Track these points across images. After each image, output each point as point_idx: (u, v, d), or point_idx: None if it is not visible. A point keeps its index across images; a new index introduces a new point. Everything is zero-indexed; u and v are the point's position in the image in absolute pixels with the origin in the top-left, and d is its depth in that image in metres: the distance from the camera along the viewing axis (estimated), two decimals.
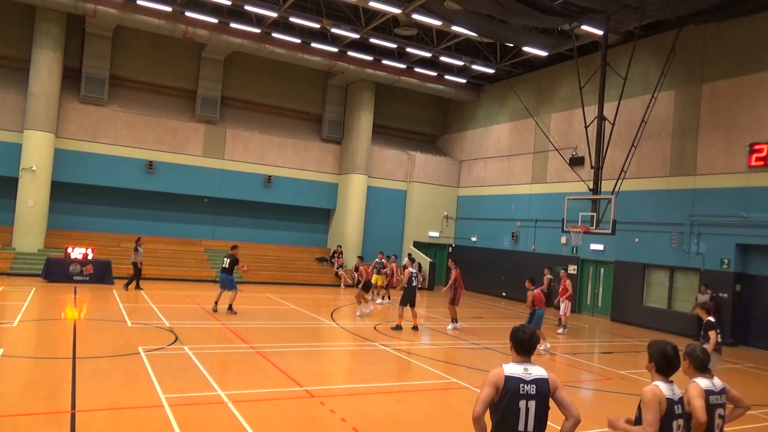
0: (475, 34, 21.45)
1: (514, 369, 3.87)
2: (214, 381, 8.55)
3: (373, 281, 19.03)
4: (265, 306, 17.73)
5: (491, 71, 25.49)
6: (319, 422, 7.25)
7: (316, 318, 16.06)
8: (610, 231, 17.46)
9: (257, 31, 22.56)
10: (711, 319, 9.25)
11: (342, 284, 24.64)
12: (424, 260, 27.16)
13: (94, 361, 9.29)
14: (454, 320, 15.58)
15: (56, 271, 19.00)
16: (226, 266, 15.08)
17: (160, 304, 15.90)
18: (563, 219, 19.16)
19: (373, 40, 23.05)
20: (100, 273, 19.45)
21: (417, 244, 28.19)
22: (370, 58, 25.02)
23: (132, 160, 23.51)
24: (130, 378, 8.44)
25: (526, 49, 22.21)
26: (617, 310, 20.36)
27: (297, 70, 26.67)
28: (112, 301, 16.00)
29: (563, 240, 22.39)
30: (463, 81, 27.40)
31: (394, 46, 23.69)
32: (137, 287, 18.41)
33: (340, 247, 26.42)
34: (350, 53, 24.54)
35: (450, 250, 29.08)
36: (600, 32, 18.66)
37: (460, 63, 25.04)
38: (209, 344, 11.32)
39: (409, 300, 14.76)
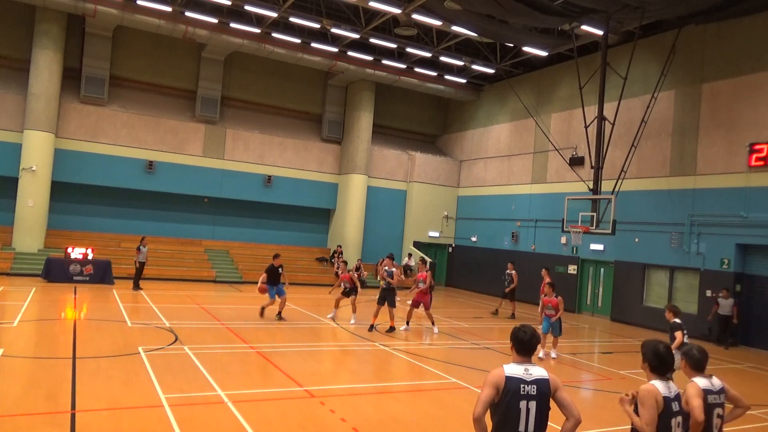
0: (475, 34, 21.46)
1: (514, 369, 3.87)
2: (214, 381, 8.55)
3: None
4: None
5: (491, 71, 25.49)
6: (319, 422, 7.25)
7: (316, 318, 16.06)
8: (610, 231, 17.46)
9: (257, 31, 22.56)
10: (677, 320, 9.60)
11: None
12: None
13: (95, 361, 9.29)
14: (432, 323, 14.90)
15: (56, 271, 19.00)
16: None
17: (160, 304, 15.91)
18: (563, 219, 19.17)
19: (373, 40, 23.05)
20: (101, 273, 19.45)
21: (417, 244, 28.20)
22: (370, 58, 25.02)
23: (132, 160, 23.52)
24: (130, 378, 8.44)
25: (526, 49, 22.21)
26: (617, 310, 20.36)
27: (297, 70, 26.67)
28: (113, 301, 16.00)
29: (563, 240, 22.40)
30: (463, 81, 27.40)
31: (394, 46, 23.69)
32: (136, 287, 18.41)
33: (340, 247, 26.43)
34: (350, 53, 24.54)
35: (450, 250, 29.10)
36: (600, 32, 18.66)
37: (460, 63, 25.04)
38: (209, 344, 11.33)
39: (386, 299, 14.24)
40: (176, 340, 11.32)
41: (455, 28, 20.72)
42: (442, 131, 31.39)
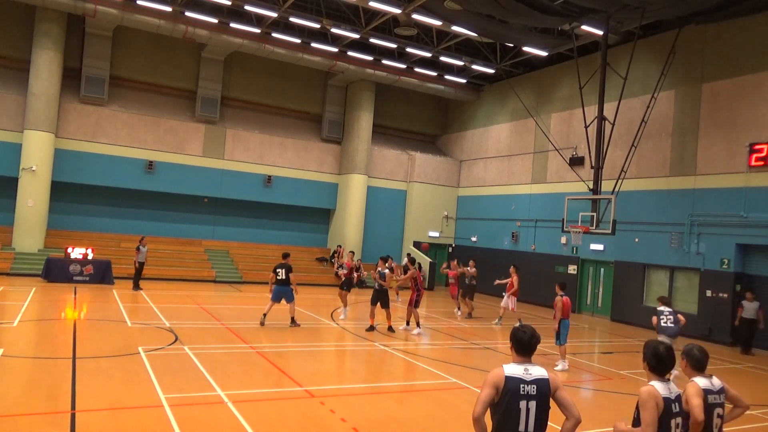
0: (475, 34, 21.46)
1: (514, 369, 3.87)
2: (214, 381, 8.55)
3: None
4: (264, 306, 17.69)
5: (491, 71, 25.49)
6: (319, 422, 7.25)
7: (316, 318, 16.06)
8: (610, 231, 17.46)
9: (257, 31, 22.57)
10: (660, 308, 11.41)
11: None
12: (424, 260, 27.16)
13: (95, 361, 9.29)
14: (418, 324, 14.46)
15: (56, 271, 18.99)
16: (283, 277, 13.75)
17: (160, 304, 15.91)
18: (563, 219, 19.16)
19: (373, 40, 23.06)
20: (101, 273, 19.45)
21: (417, 244, 28.20)
22: (370, 58, 25.02)
23: (132, 160, 23.52)
24: (130, 378, 8.44)
25: (526, 49, 22.21)
26: (617, 310, 20.35)
27: (297, 70, 26.67)
28: (113, 301, 16.00)
29: (563, 240, 22.40)
30: (463, 81, 27.40)
31: (394, 46, 23.69)
32: (135, 287, 18.41)
33: (341, 247, 26.42)
34: (350, 53, 24.54)
35: (450, 250, 29.10)
36: (600, 32, 18.66)
37: (460, 63, 25.04)
38: (209, 344, 11.33)
39: (378, 300, 14.11)
40: (176, 340, 11.32)
41: (455, 28, 20.73)
42: (442, 131, 31.38)
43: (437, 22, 20.12)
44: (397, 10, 19.20)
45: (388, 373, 10.86)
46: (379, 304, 14.23)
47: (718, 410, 4.48)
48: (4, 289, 16.81)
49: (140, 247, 18.59)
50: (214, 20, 21.88)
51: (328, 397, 8.38)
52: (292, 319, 14.05)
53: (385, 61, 25.31)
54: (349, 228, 26.90)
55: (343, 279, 16.92)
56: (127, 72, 24.37)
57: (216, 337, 12.22)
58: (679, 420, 4.06)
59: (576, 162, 21.54)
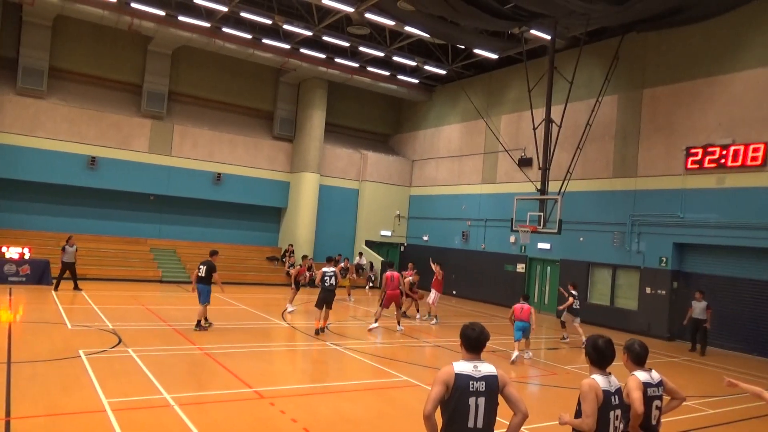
0: (428, 35, 21.65)
1: (464, 367, 3.92)
2: (160, 384, 8.31)
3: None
4: (213, 306, 17.28)
5: (443, 72, 25.79)
6: (269, 423, 7.16)
7: (266, 318, 15.85)
8: (556, 230, 17.96)
9: (207, 25, 22.04)
10: (573, 291, 15.22)
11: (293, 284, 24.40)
12: (376, 259, 27.23)
13: (31, 366, 8.87)
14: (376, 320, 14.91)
15: None
16: (202, 275, 12.94)
17: (102, 305, 15.33)
18: (512, 218, 19.57)
19: (326, 38, 22.93)
20: (38, 273, 18.57)
21: (369, 243, 28.23)
22: (322, 56, 24.86)
23: (73, 155, 22.55)
24: (70, 382, 8.11)
25: (477, 51, 22.58)
26: None
27: (248, 66, 26.22)
28: (51, 302, 15.31)
29: (512, 239, 22.89)
30: (416, 81, 27.61)
31: (347, 44, 23.63)
32: (75, 288, 17.61)
33: (292, 246, 26.16)
34: (303, 50, 24.32)
35: (402, 249, 29.28)
36: (548, 37, 19.16)
37: (413, 63, 25.21)
38: (155, 346, 11.00)
39: (325, 302, 13.61)
40: (119, 342, 10.95)
41: (408, 29, 20.85)
42: (395, 131, 31.53)
43: (390, 22, 20.19)
44: (350, 9, 19.15)
45: (340, 372, 10.83)
46: (325, 305, 13.65)
47: (657, 402, 4.69)
48: None
49: (66, 246, 17.53)
50: (162, 13, 21.23)
51: (279, 397, 8.28)
52: (198, 321, 12.97)
53: (337, 60, 25.21)
54: (301, 227, 26.66)
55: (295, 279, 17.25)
56: (68, 64, 23.34)
57: (162, 338, 11.87)
58: (618, 412, 4.22)
59: (524, 163, 22.05)
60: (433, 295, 17.49)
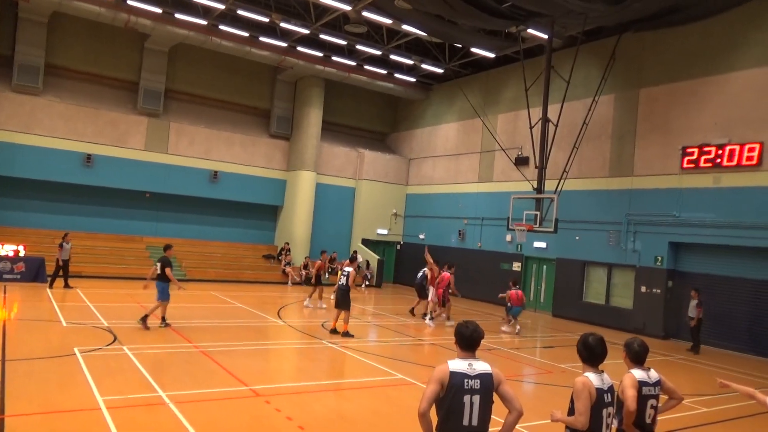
0: (425, 34, 21.64)
1: (458, 365, 3.93)
2: (155, 382, 8.30)
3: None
4: (210, 304, 17.34)
5: (440, 71, 25.79)
6: (264, 421, 7.16)
7: (262, 316, 15.84)
8: (552, 229, 17.99)
9: (204, 22, 21.99)
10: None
11: (290, 281, 24.44)
12: (373, 258, 27.24)
13: (27, 363, 8.84)
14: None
15: None
16: (159, 272, 12.56)
17: (98, 303, 15.29)
18: (508, 217, 19.59)
19: (323, 36, 22.89)
20: (33, 271, 18.51)
21: (365, 242, 28.23)
22: (320, 54, 24.82)
23: (69, 152, 22.48)
24: (66, 380, 8.09)
25: (474, 50, 22.58)
26: (558, 306, 21.02)
27: (245, 64, 26.17)
28: (46, 300, 15.28)
29: (508, 238, 22.92)
30: (413, 80, 27.60)
31: (344, 42, 23.60)
32: (66, 285, 17.50)
33: (288, 244, 26.15)
34: (300, 48, 24.28)
35: (398, 247, 29.29)
36: (545, 36, 19.18)
37: (410, 62, 25.20)
38: (150, 344, 10.98)
39: (336, 302, 13.61)
40: (115, 340, 10.93)
41: (405, 27, 20.84)
42: (392, 129, 31.52)
43: (387, 21, 20.17)
44: (347, 7, 19.13)
45: (336, 370, 10.84)
46: (336, 306, 13.59)
47: (652, 401, 4.70)
48: None
49: (63, 243, 17.45)
50: (158, 10, 21.18)
51: (274, 395, 8.28)
52: (145, 316, 12.40)
53: (335, 58, 25.18)
54: (298, 225, 26.64)
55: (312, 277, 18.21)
56: (65, 61, 23.26)
57: (158, 336, 11.86)
58: (610, 410, 4.24)
59: (521, 162, 22.08)
60: (431, 293, 17.23)
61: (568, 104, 19.37)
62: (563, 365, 12.21)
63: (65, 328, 11.89)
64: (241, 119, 27.46)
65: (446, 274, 16.93)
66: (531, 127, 19.34)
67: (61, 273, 17.58)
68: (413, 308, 18.40)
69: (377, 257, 27.35)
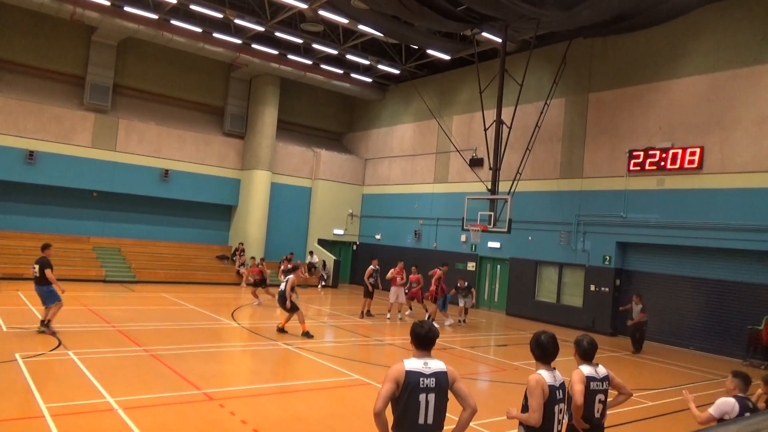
0: (381, 34, 21.70)
1: (414, 364, 3.96)
2: (103, 387, 8.02)
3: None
4: (160, 306, 16.88)
5: (396, 72, 25.90)
6: (218, 425, 7.02)
7: (215, 318, 15.54)
8: (506, 229, 18.33)
9: (155, 17, 21.39)
10: (460, 285, 17.51)
11: (243, 282, 24.05)
12: (329, 258, 27.12)
13: None
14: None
15: None
16: (37, 274, 11.37)
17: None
18: (463, 218, 19.85)
19: (278, 34, 22.63)
20: None
21: (322, 242, 28.09)
22: (275, 52, 24.54)
23: (9, 149, 21.46)
24: (5, 387, 7.72)
25: (429, 51, 22.78)
26: (512, 305, 21.44)
27: (198, 60, 25.60)
28: None
29: (463, 238, 23.23)
30: (369, 80, 27.62)
31: (300, 41, 23.40)
32: None
33: (242, 244, 25.74)
34: (255, 46, 23.94)
35: (354, 247, 29.25)
36: (499, 40, 19.52)
37: (366, 62, 25.21)
38: (97, 348, 10.61)
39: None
40: (59, 344, 10.50)
41: (362, 27, 20.83)
42: (348, 129, 31.46)
43: (344, 20, 20.12)
44: (303, 5, 18.98)
45: (290, 372, 10.74)
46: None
47: (600, 396, 4.85)
48: None
49: None
50: (107, 2, 20.47)
51: (229, 399, 8.14)
52: (45, 322, 11.45)
53: (290, 56, 24.94)
54: (252, 225, 26.25)
55: (257, 280, 18.91)
56: (6, 53, 22.20)
57: (105, 340, 11.46)
58: (562, 406, 4.36)
59: (476, 163, 22.41)
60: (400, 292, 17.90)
61: (521, 107, 19.77)
62: (516, 363, 12.46)
63: (5, 332, 11.36)
64: (193, 117, 26.85)
65: (437, 270, 17.91)
66: (485, 129, 19.64)
67: None
68: (364, 310, 18.17)
69: (333, 257, 27.24)
